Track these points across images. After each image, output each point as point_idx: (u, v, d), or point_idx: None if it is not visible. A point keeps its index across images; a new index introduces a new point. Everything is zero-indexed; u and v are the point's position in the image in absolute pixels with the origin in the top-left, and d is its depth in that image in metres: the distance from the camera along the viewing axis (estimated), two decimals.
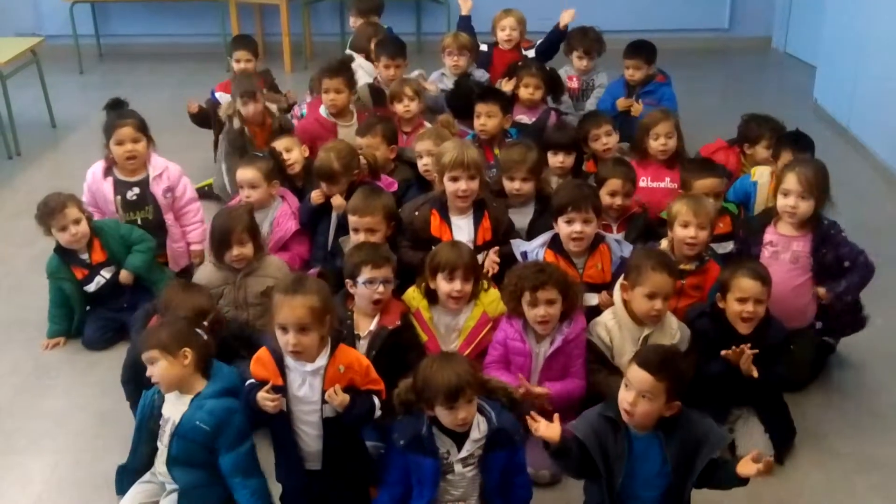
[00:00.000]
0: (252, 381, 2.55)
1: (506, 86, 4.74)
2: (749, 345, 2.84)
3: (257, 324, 3.27)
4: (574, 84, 5.28)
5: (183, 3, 7.77)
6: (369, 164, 3.89)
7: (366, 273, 2.96)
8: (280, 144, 4.22)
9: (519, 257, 3.37)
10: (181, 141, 4.95)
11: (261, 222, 3.82)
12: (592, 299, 3.26)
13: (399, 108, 4.48)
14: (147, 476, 2.75)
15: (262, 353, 2.55)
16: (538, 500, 2.65)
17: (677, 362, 2.38)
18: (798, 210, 3.20)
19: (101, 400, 3.29)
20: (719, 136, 4.52)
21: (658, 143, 4.07)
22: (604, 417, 2.38)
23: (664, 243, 3.39)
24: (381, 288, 2.97)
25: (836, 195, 3.30)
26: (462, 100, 4.63)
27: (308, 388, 2.51)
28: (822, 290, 3.24)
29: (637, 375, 2.29)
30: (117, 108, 4.07)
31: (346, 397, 2.48)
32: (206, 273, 3.45)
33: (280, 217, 3.88)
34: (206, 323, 2.86)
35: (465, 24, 5.44)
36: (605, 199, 3.60)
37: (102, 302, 3.71)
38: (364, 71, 5.10)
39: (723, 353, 2.87)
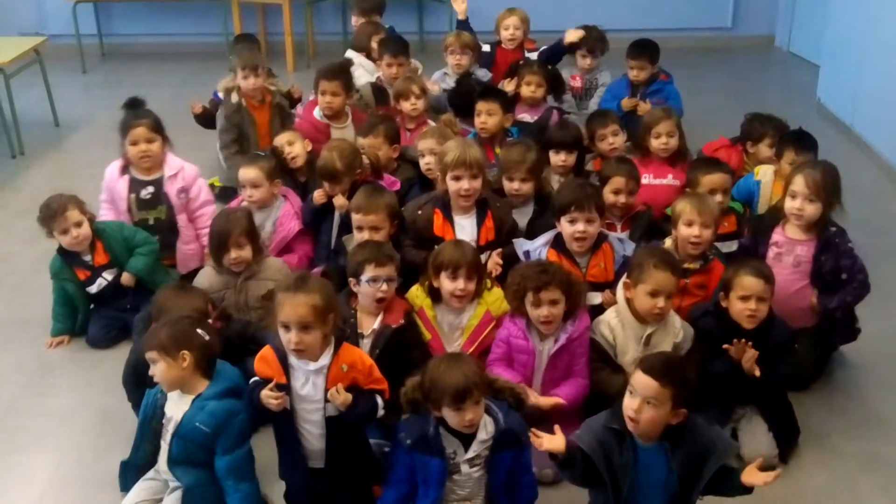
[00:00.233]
0: (256, 378, 2.55)
1: (508, 86, 4.74)
2: (751, 343, 2.84)
3: (259, 325, 3.26)
4: (577, 83, 5.28)
5: (185, 3, 7.78)
6: (371, 164, 3.89)
7: (369, 271, 2.96)
8: (282, 138, 4.22)
9: (522, 256, 3.37)
10: (184, 140, 4.90)
11: (263, 222, 3.84)
12: (595, 298, 3.26)
13: (406, 106, 4.48)
14: (151, 473, 2.75)
15: (266, 351, 2.56)
16: (543, 499, 2.65)
17: (682, 369, 2.37)
18: (805, 213, 3.19)
19: (105, 398, 3.30)
20: (722, 135, 4.51)
21: (659, 141, 4.07)
22: (608, 429, 2.35)
23: (668, 242, 3.38)
24: (384, 286, 2.97)
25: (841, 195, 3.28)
26: (463, 98, 4.63)
27: (311, 387, 2.51)
28: (814, 300, 3.24)
29: (642, 381, 2.28)
30: (135, 108, 4.07)
31: (349, 396, 2.48)
32: (206, 277, 3.44)
33: (283, 217, 3.88)
34: (210, 320, 2.85)
35: (464, 27, 5.43)
36: (609, 197, 3.60)
37: (106, 302, 3.72)
38: (364, 70, 5.10)
39: (724, 346, 2.87)
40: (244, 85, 4.47)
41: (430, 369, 2.44)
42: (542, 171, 3.84)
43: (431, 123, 4.41)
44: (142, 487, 2.73)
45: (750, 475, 2.27)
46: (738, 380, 2.89)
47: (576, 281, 2.99)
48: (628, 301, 3.00)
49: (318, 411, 2.53)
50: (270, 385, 2.47)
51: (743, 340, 2.85)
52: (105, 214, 3.93)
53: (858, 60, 5.70)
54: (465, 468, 2.48)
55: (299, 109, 4.96)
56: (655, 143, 4.08)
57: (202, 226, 3.94)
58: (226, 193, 4.52)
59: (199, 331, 2.67)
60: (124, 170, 3.91)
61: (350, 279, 3.03)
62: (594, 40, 5.20)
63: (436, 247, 3.21)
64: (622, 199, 3.64)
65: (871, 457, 3.03)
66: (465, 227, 3.51)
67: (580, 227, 3.25)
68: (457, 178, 3.45)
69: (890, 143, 5.28)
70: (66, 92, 6.56)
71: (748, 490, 2.31)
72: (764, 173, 3.90)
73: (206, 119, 4.95)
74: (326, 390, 2.48)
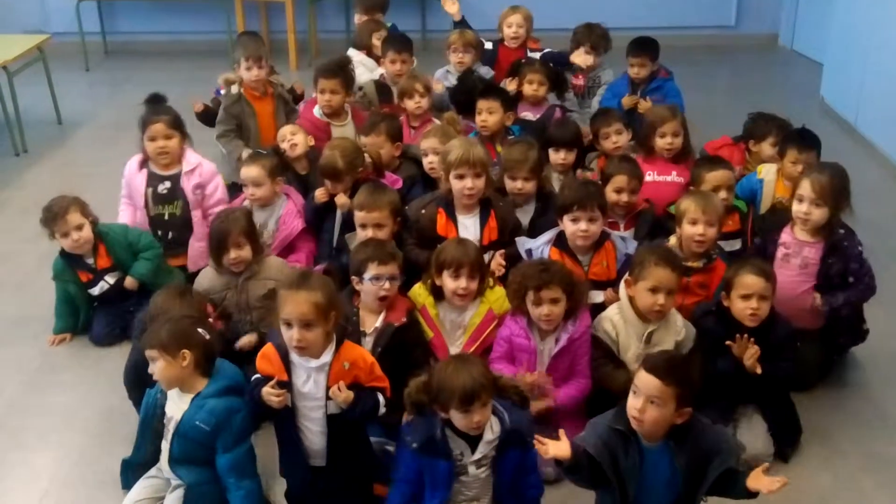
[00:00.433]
0: (258, 375, 2.55)
1: (509, 85, 4.72)
2: (752, 339, 2.84)
3: (260, 325, 3.27)
4: (579, 81, 5.27)
5: (189, 1, 7.78)
6: (373, 162, 3.89)
7: (372, 270, 2.96)
8: (285, 130, 4.22)
9: (524, 255, 3.36)
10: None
11: (266, 220, 3.84)
12: (598, 296, 3.25)
13: (410, 104, 4.47)
14: (153, 471, 2.75)
15: (268, 348, 2.56)
16: (544, 498, 2.64)
17: (686, 368, 2.35)
18: (811, 217, 3.18)
19: (108, 396, 3.30)
20: (725, 134, 4.51)
21: (665, 141, 4.05)
22: (614, 430, 2.35)
23: (672, 240, 3.38)
24: (387, 284, 2.97)
25: None
26: (465, 95, 4.62)
27: (313, 385, 2.51)
28: (818, 299, 3.23)
29: (645, 380, 2.27)
30: (155, 104, 4.08)
31: (350, 394, 2.48)
32: (207, 278, 3.42)
33: (286, 216, 3.87)
34: (210, 319, 2.85)
35: (463, 27, 5.40)
36: (611, 196, 3.59)
37: (109, 302, 3.71)
38: (365, 67, 5.09)
39: (727, 342, 2.87)
40: (247, 76, 4.46)
41: (438, 371, 2.43)
42: (544, 170, 3.84)
43: (436, 121, 4.41)
44: (143, 486, 2.73)
45: (755, 480, 2.25)
46: (740, 378, 2.89)
47: (577, 280, 2.99)
48: (630, 298, 3.00)
49: (319, 409, 2.53)
50: (272, 382, 2.47)
51: (745, 337, 2.85)
52: (123, 211, 3.95)
53: (862, 59, 5.69)
54: (472, 469, 2.47)
55: (300, 107, 4.96)
56: (661, 143, 4.07)
57: None
58: (230, 191, 4.53)
59: (199, 330, 2.66)
60: (143, 164, 3.93)
61: (353, 277, 3.03)
62: (597, 38, 5.18)
63: (438, 245, 3.21)
64: (624, 197, 3.64)
65: (874, 456, 3.02)
66: (469, 227, 3.50)
67: (582, 226, 3.24)
68: (460, 177, 3.44)
69: (893, 142, 5.28)
70: (69, 90, 6.57)
71: (753, 495, 2.28)
72: (767, 171, 3.89)
73: (207, 117, 4.94)
74: (328, 388, 2.48)
